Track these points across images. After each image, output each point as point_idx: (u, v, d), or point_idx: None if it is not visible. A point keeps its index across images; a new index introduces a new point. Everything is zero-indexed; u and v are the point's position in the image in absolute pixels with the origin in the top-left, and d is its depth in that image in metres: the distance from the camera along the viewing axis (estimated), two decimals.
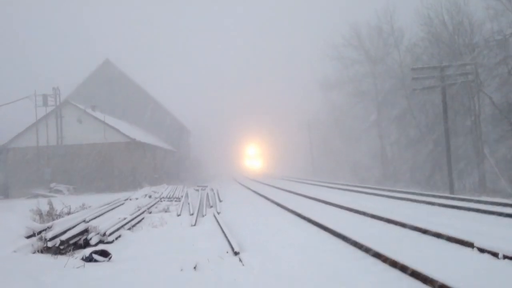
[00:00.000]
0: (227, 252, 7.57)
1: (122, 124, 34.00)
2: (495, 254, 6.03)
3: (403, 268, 5.74)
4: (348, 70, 35.27)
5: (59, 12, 77.45)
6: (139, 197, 18.25)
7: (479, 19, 21.55)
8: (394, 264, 5.99)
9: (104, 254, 7.16)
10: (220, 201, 17.84)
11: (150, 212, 14.19)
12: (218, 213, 13.55)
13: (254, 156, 74.21)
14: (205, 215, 13.34)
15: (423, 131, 25.51)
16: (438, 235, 7.62)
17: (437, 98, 21.33)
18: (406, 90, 26.30)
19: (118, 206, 14.91)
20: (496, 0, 18.41)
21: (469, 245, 6.69)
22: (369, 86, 33.39)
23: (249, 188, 25.90)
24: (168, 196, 19.25)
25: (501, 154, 19.49)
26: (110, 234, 9.16)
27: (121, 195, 20.17)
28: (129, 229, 10.60)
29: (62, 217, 10.96)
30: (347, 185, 23.63)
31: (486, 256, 6.15)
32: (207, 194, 20.27)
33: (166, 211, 14.53)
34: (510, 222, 9.07)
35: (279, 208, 14.33)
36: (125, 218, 11.06)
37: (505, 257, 5.85)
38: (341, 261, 6.63)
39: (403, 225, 8.97)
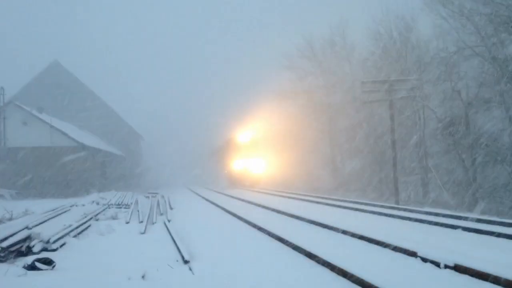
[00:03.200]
0: (177, 261, 7.48)
1: (71, 128, 32.96)
2: (437, 264, 6.29)
3: (345, 274, 5.94)
4: (302, 81, 35.84)
5: (7, 9, 74.17)
6: (86, 204, 17.71)
7: (426, 36, 22.56)
8: (343, 273, 6.13)
9: (48, 262, 6.90)
10: (171, 208, 17.62)
11: (98, 219, 13.81)
12: (169, 220, 13.37)
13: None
14: (155, 222, 13.13)
15: (371, 143, 26.28)
16: (383, 244, 7.85)
17: (385, 111, 22.06)
18: (356, 103, 27.03)
19: (64, 212, 14.41)
20: (442, 19, 19.32)
21: (413, 254, 6.93)
22: (322, 98, 34.06)
23: (200, 196, 25.71)
24: (117, 203, 18.81)
25: (444, 166, 20.38)
26: (54, 241, 8.85)
27: (67, 201, 19.51)
28: (74, 236, 10.27)
29: (4, 223, 10.48)
30: (302, 194, 23.88)
31: (429, 265, 6.40)
32: (158, 201, 19.96)
33: (114, 219, 14.18)
34: (452, 232, 9.47)
35: (230, 216, 14.31)
36: (70, 225, 10.72)
37: (446, 266, 6.11)
38: (288, 268, 6.70)
39: (350, 234, 9.18)
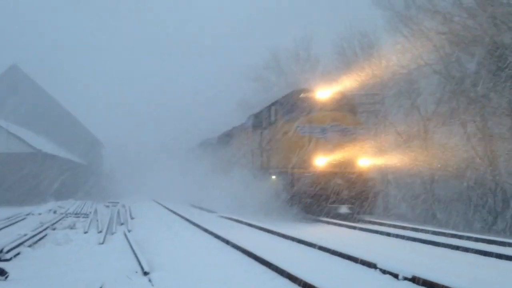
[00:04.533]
0: (136, 272, 7.33)
1: (28, 134, 32.00)
2: (395, 275, 6.43)
3: (306, 285, 5.97)
4: (267, 93, 36.12)
5: None
6: (42, 212, 17.22)
7: (388, 53, 23.21)
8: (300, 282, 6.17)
9: (1, 272, 6.65)
10: (132, 218, 17.28)
11: (55, 229, 13.40)
12: (129, 230, 13.11)
13: None
14: (115, 232, 12.84)
15: None
16: (344, 256, 7.96)
17: None
18: None
19: (19, 221, 13.97)
20: (403, 37, 19.93)
21: (373, 266, 7.06)
22: None
23: (162, 205, 25.34)
24: (75, 212, 18.34)
25: (403, 180, 20.90)
26: (8, 251, 8.54)
27: (23, 210, 18.91)
28: (30, 246, 9.93)
29: None
30: None
31: (387, 276, 6.54)
32: (118, 210, 19.56)
33: (72, 228, 13.78)
34: (410, 245, 9.73)
35: (193, 227, 14.17)
36: (26, 235, 10.37)
37: (404, 278, 6.26)
38: (253, 280, 6.70)
39: (312, 245, 9.26)
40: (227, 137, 25.11)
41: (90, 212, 18.27)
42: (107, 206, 23.56)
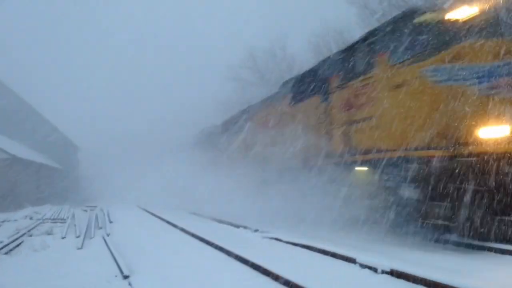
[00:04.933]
0: (116, 276, 7.26)
1: (1, 139, 31.29)
2: (374, 269, 6.52)
3: (287, 282, 5.97)
4: (244, 91, 36.20)
5: None
6: (18, 219, 16.90)
7: None
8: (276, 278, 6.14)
9: None
10: (111, 222, 17.07)
11: (31, 235, 13.15)
12: (108, 234, 12.95)
13: None
14: (93, 237, 12.69)
15: None
16: (324, 252, 8.02)
17: None
18: None
19: None
20: None
21: (352, 260, 7.14)
22: None
23: (141, 208, 25.10)
24: (52, 217, 18.04)
25: None
26: None
27: None
28: (6, 253, 9.74)
29: None
30: None
31: (367, 271, 6.62)
32: (96, 215, 19.30)
33: (49, 234, 13.54)
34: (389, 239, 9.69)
35: (173, 228, 14.09)
36: (1, 242, 10.17)
37: (382, 271, 6.35)
38: (240, 281, 6.65)
39: (294, 244, 9.28)
40: (239, 120, 18.88)
41: (68, 217, 18.00)
42: (85, 211, 23.23)
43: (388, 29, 9.21)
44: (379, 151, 9.23)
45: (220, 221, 14.77)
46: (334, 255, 7.59)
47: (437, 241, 8.08)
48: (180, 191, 23.20)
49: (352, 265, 6.85)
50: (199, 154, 23.05)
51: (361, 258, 6.79)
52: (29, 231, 13.57)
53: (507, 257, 6.89)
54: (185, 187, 22.52)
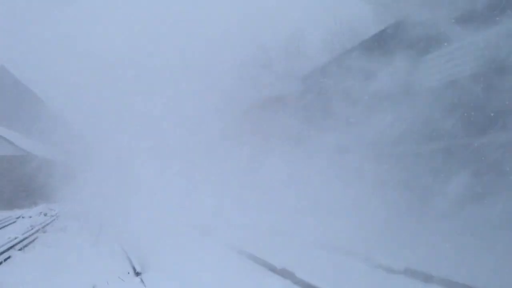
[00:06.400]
0: (128, 273, 7.26)
1: (17, 136, 31.65)
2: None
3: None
4: (257, 91, 36.04)
5: None
6: (33, 215, 17.05)
7: None
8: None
9: None
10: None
11: (45, 231, 13.26)
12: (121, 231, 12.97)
13: None
14: (107, 233, 12.72)
15: None
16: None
17: None
18: None
19: (9, 224, 13.82)
20: None
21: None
22: None
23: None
24: (67, 214, 18.16)
25: None
26: None
27: (13, 213, 18.71)
28: (20, 249, 9.81)
29: None
30: None
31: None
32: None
33: (63, 230, 13.65)
34: None
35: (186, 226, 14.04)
36: (16, 238, 10.25)
37: None
38: (248, 277, 6.61)
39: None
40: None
41: (82, 214, 18.10)
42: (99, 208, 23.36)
43: None
44: None
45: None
46: None
47: None
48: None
49: None
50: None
51: None
52: (43, 227, 13.67)
53: None
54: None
